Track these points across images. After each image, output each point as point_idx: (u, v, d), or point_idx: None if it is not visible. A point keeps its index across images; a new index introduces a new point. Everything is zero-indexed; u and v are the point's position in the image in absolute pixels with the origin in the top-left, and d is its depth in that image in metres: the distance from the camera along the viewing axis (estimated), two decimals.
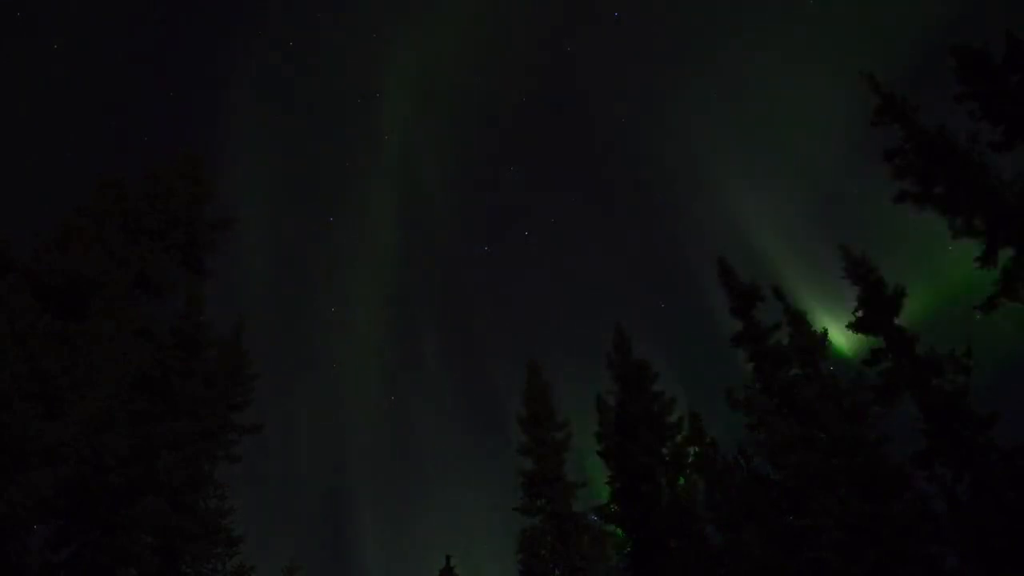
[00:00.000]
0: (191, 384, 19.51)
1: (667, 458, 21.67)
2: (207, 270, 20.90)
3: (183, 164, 20.48)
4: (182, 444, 18.50)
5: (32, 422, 13.67)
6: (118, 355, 15.90)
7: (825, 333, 18.56)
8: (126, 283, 17.22)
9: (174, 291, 19.36)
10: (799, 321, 18.98)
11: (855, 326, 16.92)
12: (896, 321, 16.59)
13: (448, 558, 29.23)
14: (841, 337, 18.70)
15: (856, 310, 16.90)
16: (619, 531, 21.72)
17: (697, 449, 21.38)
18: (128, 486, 16.90)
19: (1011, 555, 13.23)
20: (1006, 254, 14.00)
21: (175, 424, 18.38)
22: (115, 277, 16.65)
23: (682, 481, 21.22)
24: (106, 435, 15.60)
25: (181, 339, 20.19)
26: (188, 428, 18.76)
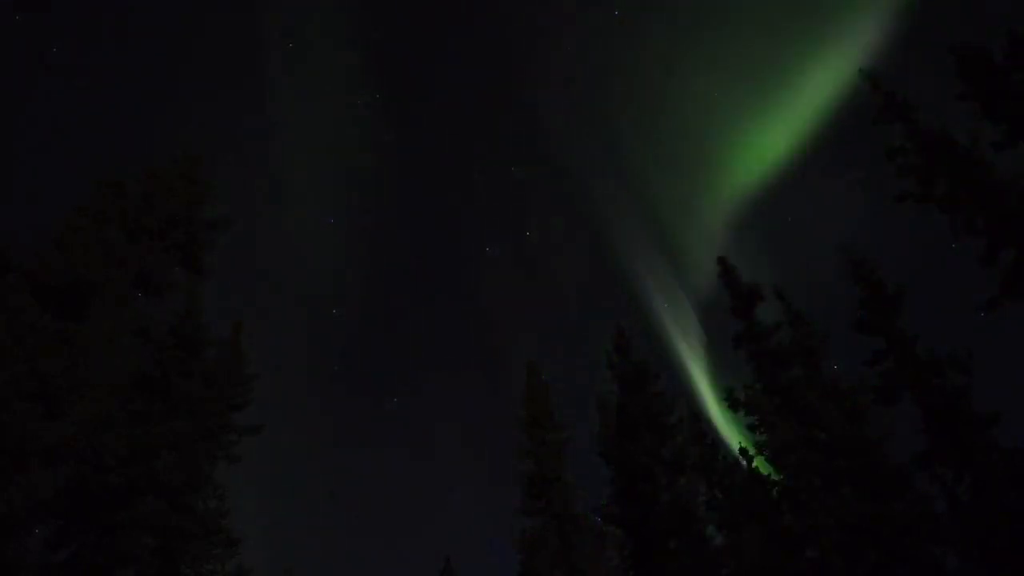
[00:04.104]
0: (190, 384, 19.48)
1: (667, 459, 21.63)
2: (206, 270, 20.86)
3: (182, 164, 20.44)
4: (181, 444, 18.46)
5: (31, 422, 13.63)
6: (117, 355, 15.86)
7: (827, 333, 18.55)
8: (125, 283, 17.17)
9: (173, 291, 19.31)
10: (800, 321, 18.96)
11: (856, 326, 16.89)
12: (897, 322, 16.56)
13: (447, 559, 29.23)
14: None
15: (857, 310, 16.87)
16: (619, 531, 21.69)
17: (698, 449, 21.34)
18: (127, 486, 16.87)
19: (1012, 556, 13.20)
20: (1007, 254, 13.97)
21: (174, 424, 18.34)
22: (114, 277, 16.62)
23: (682, 482, 21.18)
24: (105, 435, 15.57)
25: (180, 339, 20.17)
26: (187, 428, 18.72)
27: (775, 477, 17.52)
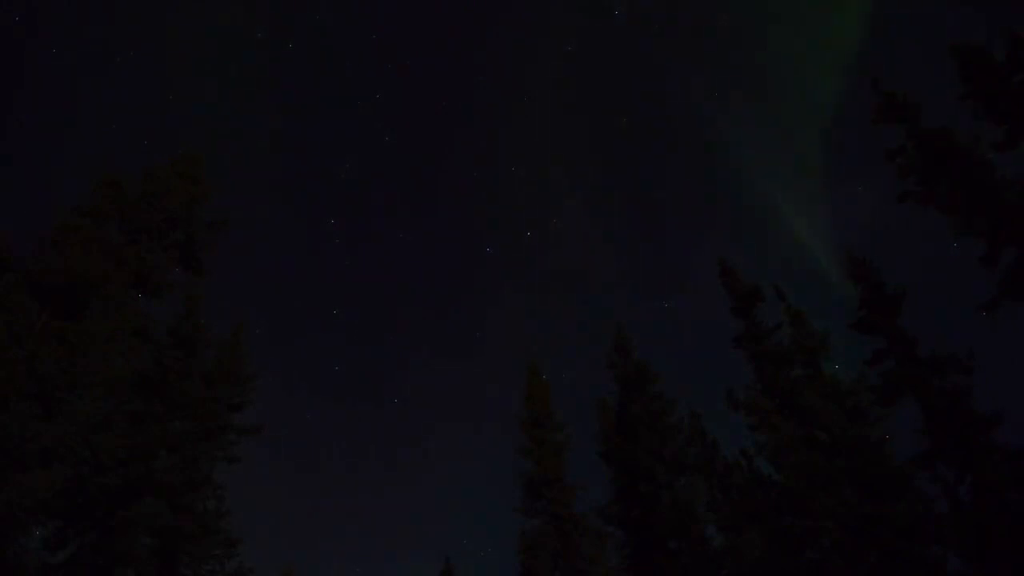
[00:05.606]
0: (189, 384, 19.45)
1: (667, 459, 21.60)
2: (205, 270, 20.81)
3: (181, 163, 20.39)
4: (180, 445, 18.44)
5: (30, 422, 13.60)
6: (116, 355, 15.83)
7: (827, 333, 18.49)
8: (124, 283, 17.14)
9: (172, 291, 19.27)
10: (800, 321, 18.90)
11: (856, 326, 16.84)
12: (897, 321, 16.51)
13: (447, 559, 29.19)
14: None
15: (858, 310, 16.82)
16: (619, 531, 21.65)
17: (698, 450, 21.30)
18: (126, 487, 16.83)
19: (1013, 557, 13.16)
20: (1007, 254, 13.92)
21: (173, 425, 18.32)
22: (113, 277, 16.57)
23: (682, 482, 21.14)
24: (104, 436, 15.54)
25: (179, 339, 20.14)
26: (186, 429, 18.69)
27: (775, 477, 17.48)
